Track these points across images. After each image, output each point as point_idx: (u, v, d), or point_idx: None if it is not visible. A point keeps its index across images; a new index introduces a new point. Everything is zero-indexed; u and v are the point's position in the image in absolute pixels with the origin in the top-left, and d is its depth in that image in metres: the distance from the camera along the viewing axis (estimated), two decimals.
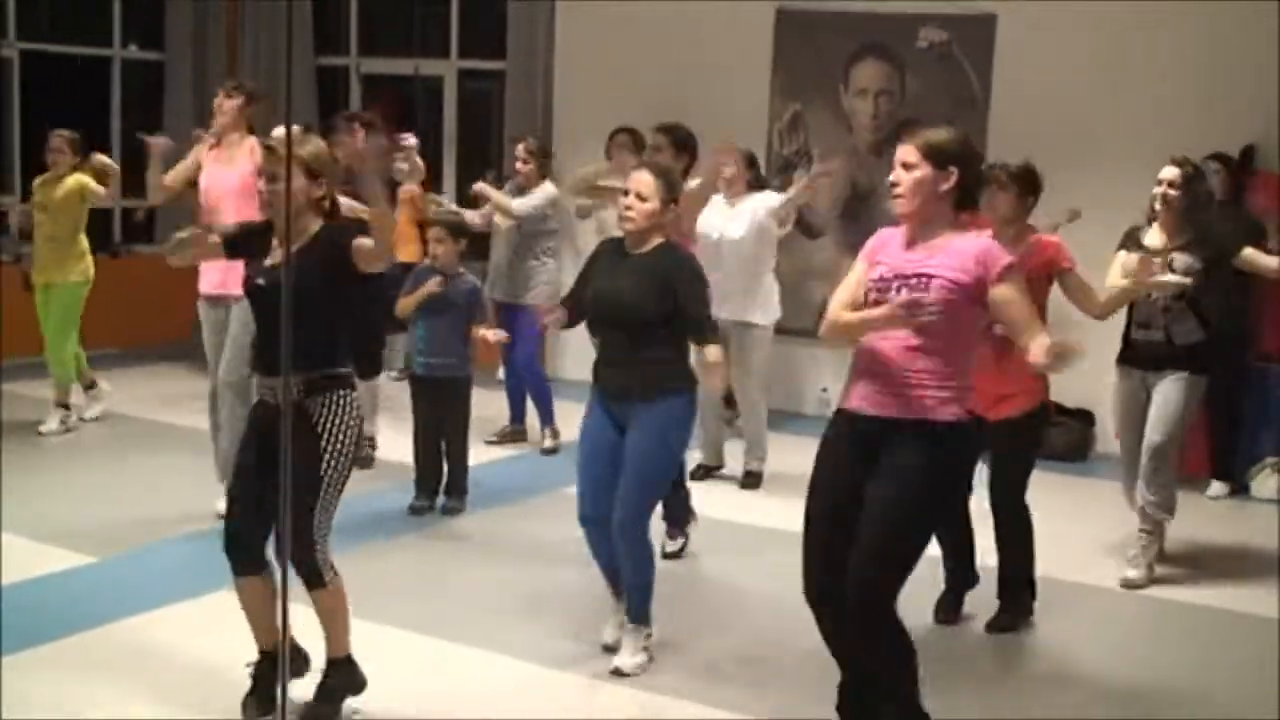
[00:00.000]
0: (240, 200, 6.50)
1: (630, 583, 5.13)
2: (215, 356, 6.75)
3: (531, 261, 8.33)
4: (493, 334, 6.92)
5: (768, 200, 7.58)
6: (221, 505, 6.16)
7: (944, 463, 4.22)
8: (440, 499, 7.13)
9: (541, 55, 10.47)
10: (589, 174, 8.20)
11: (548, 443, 8.39)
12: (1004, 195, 5.60)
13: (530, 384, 8.49)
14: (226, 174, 6.75)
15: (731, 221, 7.49)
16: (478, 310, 7.08)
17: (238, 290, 5.90)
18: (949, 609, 5.78)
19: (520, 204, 8.19)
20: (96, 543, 6.30)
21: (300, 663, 4.68)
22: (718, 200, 7.43)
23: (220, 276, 6.50)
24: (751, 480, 7.79)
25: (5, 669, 4.88)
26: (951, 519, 5.52)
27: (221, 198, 6.67)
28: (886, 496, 4.18)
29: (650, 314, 4.98)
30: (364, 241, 4.48)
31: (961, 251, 4.20)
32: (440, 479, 7.16)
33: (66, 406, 8.50)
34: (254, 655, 4.63)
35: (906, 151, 4.27)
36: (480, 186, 8.38)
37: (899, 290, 4.19)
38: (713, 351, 5.05)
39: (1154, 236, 6.28)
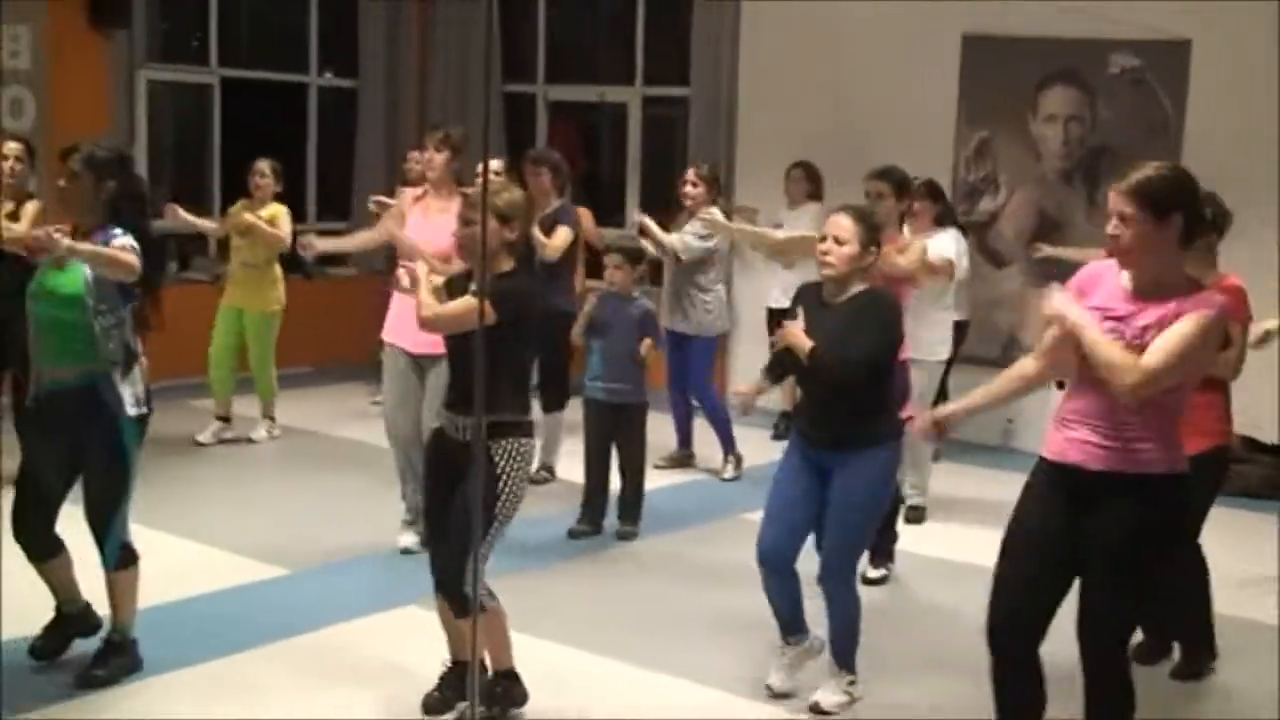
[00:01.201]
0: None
1: (836, 631, 5.00)
2: (402, 409, 6.51)
3: (693, 289, 8.15)
4: (643, 346, 6.97)
5: (942, 246, 7.18)
6: (403, 538, 6.54)
7: (1166, 517, 4.02)
8: (612, 524, 7.13)
9: (725, 82, 10.51)
10: (771, 241, 7.95)
11: (729, 472, 8.33)
12: None
13: (707, 413, 8.37)
14: (437, 230, 6.17)
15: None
16: (653, 334, 7.09)
17: (429, 350, 5.97)
18: (1149, 654, 5.52)
19: (683, 245, 7.99)
20: (289, 556, 6.48)
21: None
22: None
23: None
24: (915, 514, 7.37)
25: (200, 676, 5.09)
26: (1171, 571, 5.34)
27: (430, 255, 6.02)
28: (1110, 558, 4.00)
29: (853, 370, 4.82)
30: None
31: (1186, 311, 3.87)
32: (606, 506, 7.16)
33: (272, 418, 8.81)
34: (444, 664, 4.82)
35: (1120, 202, 3.86)
36: (643, 220, 8.15)
37: None
38: None
39: None
